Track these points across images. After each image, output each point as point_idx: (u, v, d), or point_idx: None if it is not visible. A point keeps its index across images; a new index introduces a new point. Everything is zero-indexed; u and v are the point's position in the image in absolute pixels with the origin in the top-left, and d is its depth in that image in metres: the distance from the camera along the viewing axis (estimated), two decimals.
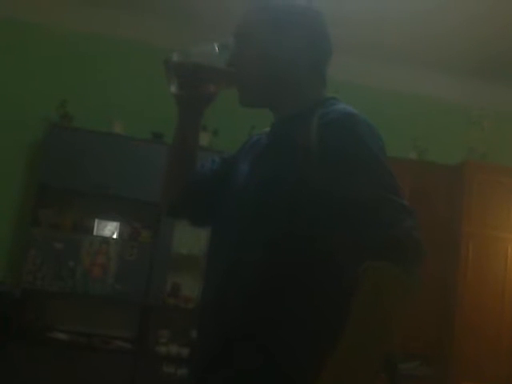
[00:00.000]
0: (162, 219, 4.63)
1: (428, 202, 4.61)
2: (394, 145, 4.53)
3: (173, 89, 1.43)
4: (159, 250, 4.62)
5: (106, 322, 4.72)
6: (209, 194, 1.54)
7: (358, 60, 4.78)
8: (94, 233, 4.69)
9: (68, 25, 4.98)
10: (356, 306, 1.14)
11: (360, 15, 4.17)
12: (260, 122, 1.64)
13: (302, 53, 1.40)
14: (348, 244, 1.20)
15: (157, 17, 4.89)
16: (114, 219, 4.76)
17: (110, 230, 4.73)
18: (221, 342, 1.29)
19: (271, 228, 1.29)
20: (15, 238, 4.77)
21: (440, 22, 4.41)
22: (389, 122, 4.71)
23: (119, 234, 4.72)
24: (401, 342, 4.17)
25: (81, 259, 4.56)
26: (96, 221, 4.72)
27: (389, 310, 1.14)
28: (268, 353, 1.24)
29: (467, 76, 5.19)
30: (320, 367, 1.13)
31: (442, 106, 5.27)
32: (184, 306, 4.62)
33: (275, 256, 1.27)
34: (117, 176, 4.62)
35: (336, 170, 1.24)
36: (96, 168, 4.62)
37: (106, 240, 4.65)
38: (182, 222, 1.65)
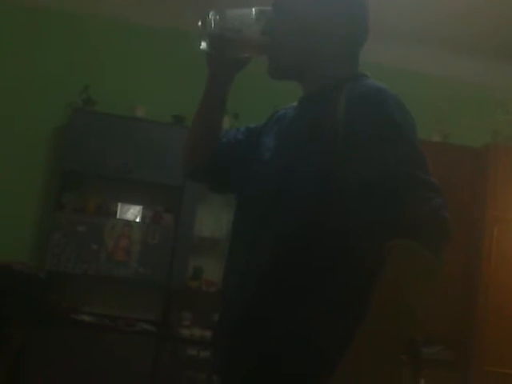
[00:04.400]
0: (184, 202, 4.65)
1: (452, 185, 4.55)
2: (418, 127, 4.47)
3: (203, 45, 1.42)
4: (181, 233, 4.64)
5: (129, 305, 4.77)
6: (231, 162, 1.53)
7: (381, 41, 4.71)
8: (117, 216, 4.72)
9: (90, 11, 4.98)
10: (380, 284, 1.12)
11: None
12: (281, 105, 1.62)
13: (337, 30, 1.38)
14: (375, 222, 1.18)
15: (176, 2, 4.86)
16: (136, 203, 4.79)
17: (133, 213, 4.76)
18: (244, 321, 1.28)
19: (294, 209, 1.27)
20: (40, 221, 4.83)
21: (464, 3, 4.33)
22: (412, 104, 4.59)
23: (142, 218, 4.75)
24: (424, 326, 4.15)
25: (104, 242, 4.60)
26: (119, 204, 4.75)
27: (414, 289, 1.12)
28: (288, 336, 1.23)
29: (492, 58, 5.10)
30: (342, 348, 1.11)
31: (466, 88, 5.18)
32: (206, 289, 4.65)
33: (298, 236, 1.26)
34: (139, 160, 4.64)
35: (363, 145, 1.21)
36: (119, 152, 4.64)
37: (129, 223, 4.68)
38: (204, 185, 1.66)
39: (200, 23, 1.40)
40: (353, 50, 1.43)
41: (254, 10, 1.42)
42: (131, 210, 4.77)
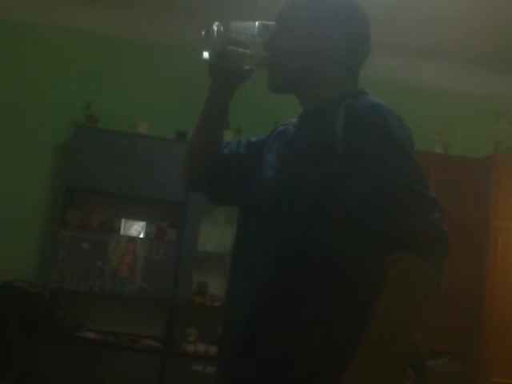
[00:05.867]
0: (187, 218, 4.65)
1: (455, 196, 4.55)
2: (420, 139, 4.43)
3: (205, 55, 1.43)
4: (185, 248, 4.64)
5: (133, 321, 4.76)
6: (231, 174, 1.55)
7: (383, 56, 4.73)
8: (121, 233, 4.72)
9: (93, 28, 5.02)
10: (382, 298, 1.12)
11: (384, 10, 4.14)
12: (283, 119, 1.63)
13: (337, 49, 1.40)
14: (374, 237, 1.18)
15: (177, 18, 4.90)
16: (140, 219, 4.80)
17: (137, 229, 4.76)
18: (245, 338, 1.29)
19: (294, 226, 1.28)
20: (44, 239, 4.83)
21: (466, 18, 4.36)
22: (415, 116, 4.60)
23: (145, 234, 4.76)
24: (431, 338, 4.13)
25: (108, 259, 4.60)
26: (122, 221, 4.76)
27: (414, 302, 1.13)
28: (288, 355, 1.23)
29: (493, 68, 5.11)
30: (346, 359, 1.12)
31: (468, 99, 5.20)
32: (211, 304, 4.64)
33: (298, 253, 1.27)
34: (142, 176, 4.65)
35: (362, 161, 1.22)
36: (122, 168, 4.65)
37: (133, 239, 4.68)
38: (204, 196, 1.65)
39: (204, 33, 1.42)
40: (352, 67, 1.45)
41: (257, 23, 1.44)
42: (135, 226, 4.77)
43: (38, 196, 4.88)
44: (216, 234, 4.75)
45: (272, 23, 1.44)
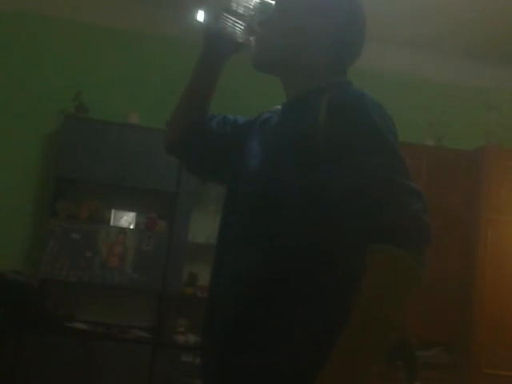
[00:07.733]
0: (178, 209, 4.64)
1: (446, 188, 4.56)
2: (411, 131, 4.51)
3: (199, 16, 1.45)
4: (175, 239, 4.63)
5: (124, 312, 4.75)
6: (212, 150, 1.56)
7: (374, 46, 4.72)
8: (111, 223, 4.71)
9: (83, 18, 4.99)
10: (361, 290, 1.12)
11: (375, 2, 4.13)
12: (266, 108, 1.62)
13: (327, 38, 1.40)
14: (358, 228, 1.17)
15: (169, 7, 4.87)
16: (130, 209, 4.78)
17: (127, 220, 4.75)
18: (230, 327, 1.29)
19: (280, 218, 1.28)
20: (33, 229, 4.81)
21: (457, 10, 4.36)
22: (405, 108, 4.66)
23: (136, 224, 4.74)
24: (421, 329, 4.15)
25: (98, 249, 4.59)
26: (112, 211, 4.74)
27: (394, 292, 1.12)
28: (273, 345, 1.23)
29: (485, 60, 5.12)
30: (326, 353, 1.11)
31: (459, 90, 5.20)
32: (201, 295, 4.63)
33: (280, 246, 1.26)
34: (132, 166, 4.63)
35: (344, 153, 1.21)
36: (112, 159, 4.63)
37: (123, 230, 4.67)
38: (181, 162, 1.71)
39: (204, 3, 1.43)
40: (341, 58, 1.44)
41: None
42: (125, 217, 4.75)
43: (27, 186, 4.85)
44: (207, 225, 4.73)
45: (271, 2, 1.45)
